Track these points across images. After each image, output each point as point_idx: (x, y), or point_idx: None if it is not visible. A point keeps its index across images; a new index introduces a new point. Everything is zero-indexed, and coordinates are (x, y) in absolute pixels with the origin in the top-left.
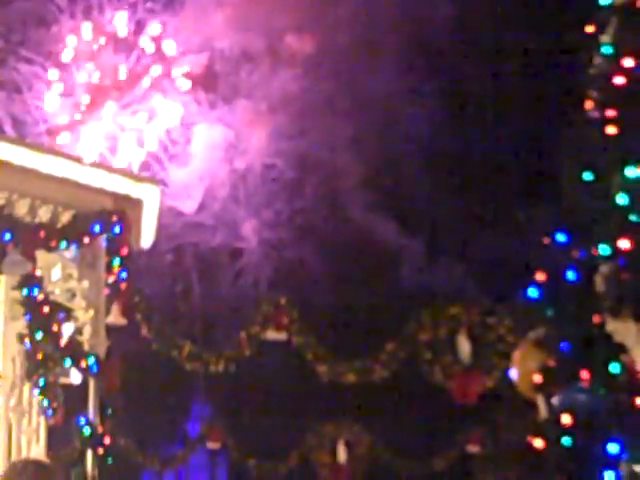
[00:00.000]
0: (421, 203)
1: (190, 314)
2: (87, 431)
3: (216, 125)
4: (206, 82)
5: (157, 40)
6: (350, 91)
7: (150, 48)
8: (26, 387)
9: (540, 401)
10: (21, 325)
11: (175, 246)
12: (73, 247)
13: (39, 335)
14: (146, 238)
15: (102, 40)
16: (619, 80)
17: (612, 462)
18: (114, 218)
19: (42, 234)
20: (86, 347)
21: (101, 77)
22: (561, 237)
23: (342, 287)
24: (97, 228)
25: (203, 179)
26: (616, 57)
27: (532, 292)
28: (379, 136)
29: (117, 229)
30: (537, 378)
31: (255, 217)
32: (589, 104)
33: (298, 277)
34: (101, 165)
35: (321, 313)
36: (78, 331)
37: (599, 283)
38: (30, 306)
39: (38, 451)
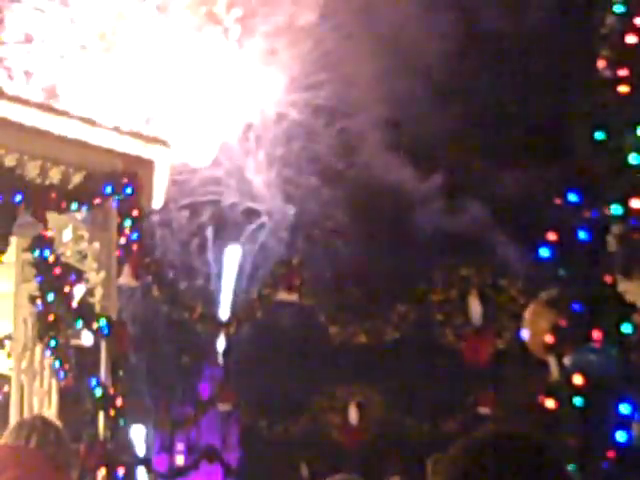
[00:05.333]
0: (437, 143)
1: (206, 272)
2: (99, 392)
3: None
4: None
5: None
6: (367, 32)
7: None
8: (38, 349)
9: (552, 361)
10: (33, 287)
11: (190, 203)
12: (84, 208)
13: (50, 297)
14: (157, 199)
15: None
16: (631, 39)
17: (624, 422)
18: (125, 179)
19: (53, 195)
20: (97, 309)
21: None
22: (573, 197)
23: (358, 244)
24: (108, 189)
25: (216, 132)
26: (628, 15)
27: (543, 252)
28: (395, 76)
29: (128, 190)
30: (548, 338)
31: (269, 170)
32: (601, 63)
33: (313, 235)
34: (112, 126)
35: (333, 274)
36: (89, 293)
37: (611, 243)
38: (41, 268)
39: (50, 413)
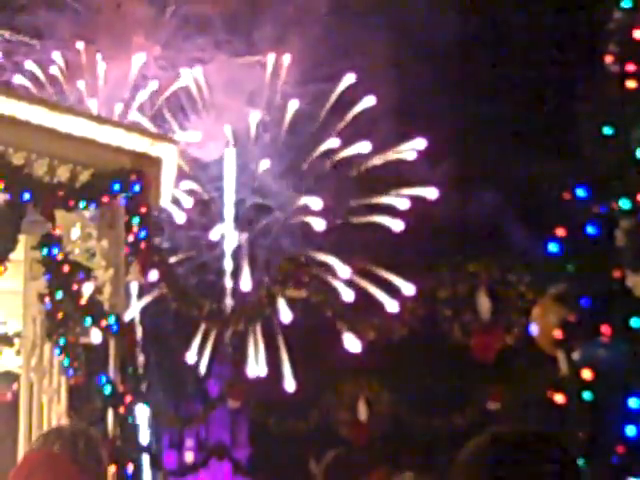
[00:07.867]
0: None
1: (216, 268)
2: (108, 390)
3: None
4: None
5: None
6: (380, 20)
7: None
8: (47, 347)
9: (560, 356)
10: (41, 285)
11: (199, 199)
12: (92, 206)
13: (59, 294)
14: (165, 196)
15: None
16: (639, 34)
17: (633, 416)
18: (133, 177)
19: (61, 193)
20: (106, 306)
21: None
22: (581, 192)
23: (367, 239)
24: (116, 187)
25: (226, 126)
26: (636, 10)
27: (552, 247)
28: (409, 64)
29: (136, 188)
30: (557, 333)
31: (278, 162)
32: (609, 58)
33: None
34: (120, 124)
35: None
36: (98, 290)
37: (619, 238)
38: (50, 266)
39: (59, 411)
